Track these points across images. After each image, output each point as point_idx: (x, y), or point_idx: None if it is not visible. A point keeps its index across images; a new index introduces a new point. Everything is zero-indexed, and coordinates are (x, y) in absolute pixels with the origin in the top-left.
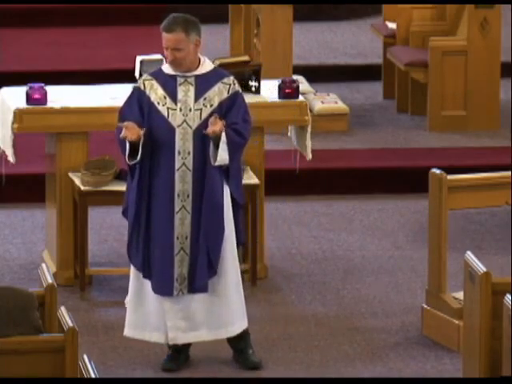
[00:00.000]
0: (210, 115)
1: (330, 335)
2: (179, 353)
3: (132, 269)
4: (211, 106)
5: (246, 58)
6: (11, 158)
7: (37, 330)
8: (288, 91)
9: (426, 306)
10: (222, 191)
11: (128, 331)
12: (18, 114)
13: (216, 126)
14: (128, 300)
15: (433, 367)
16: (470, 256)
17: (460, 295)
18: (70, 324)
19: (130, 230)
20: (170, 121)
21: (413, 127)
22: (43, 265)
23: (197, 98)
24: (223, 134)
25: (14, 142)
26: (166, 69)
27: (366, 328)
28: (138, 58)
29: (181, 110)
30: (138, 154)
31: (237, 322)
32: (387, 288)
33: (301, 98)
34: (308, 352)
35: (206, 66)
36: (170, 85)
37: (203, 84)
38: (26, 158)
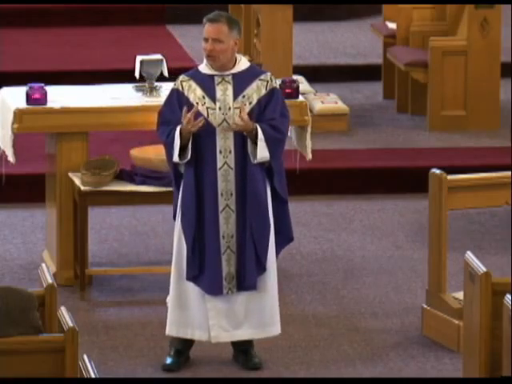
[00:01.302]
0: (250, 113)
1: (330, 335)
2: (180, 353)
3: (173, 267)
4: (250, 103)
5: (245, 58)
6: (11, 158)
7: (37, 330)
8: (288, 91)
9: (425, 306)
10: (265, 188)
11: (170, 330)
12: (18, 114)
13: (240, 118)
14: (169, 299)
15: (433, 367)
16: (470, 256)
17: (460, 295)
18: (70, 324)
19: (191, 241)
20: (210, 120)
21: (413, 127)
22: (43, 265)
23: (235, 97)
24: (260, 131)
25: (13, 142)
26: (203, 69)
27: (366, 328)
28: (138, 58)
29: (220, 108)
30: (187, 153)
31: (278, 322)
32: (387, 288)
33: (301, 97)
34: (308, 352)
35: (243, 64)
36: (208, 84)
37: (241, 82)
38: (26, 158)
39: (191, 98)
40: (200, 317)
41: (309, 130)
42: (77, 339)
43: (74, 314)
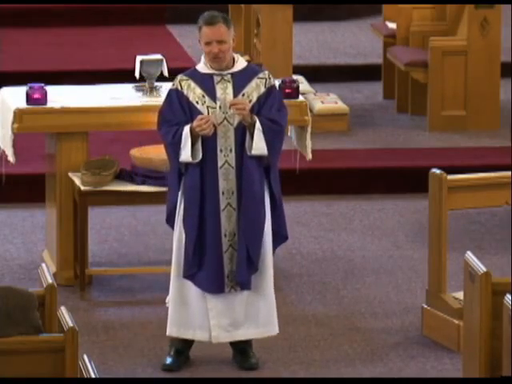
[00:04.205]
0: (250, 110)
1: (330, 335)
2: (180, 353)
3: (173, 267)
4: (250, 101)
5: (246, 57)
6: (11, 158)
7: (37, 329)
8: (288, 91)
9: (426, 306)
10: (262, 188)
11: (171, 330)
12: (18, 114)
13: (239, 104)
14: (169, 299)
15: (433, 367)
16: (470, 256)
17: (460, 295)
18: (70, 324)
19: (194, 240)
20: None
21: (413, 127)
22: (43, 265)
23: (235, 95)
24: (257, 123)
25: (14, 142)
26: (201, 68)
27: (366, 328)
28: (138, 58)
29: (220, 107)
30: (197, 153)
31: (275, 323)
32: (387, 288)
33: (301, 97)
34: (308, 352)
35: (241, 63)
36: (207, 83)
37: (240, 81)
38: (26, 158)
39: (191, 97)
40: (201, 317)
41: (309, 130)
42: (77, 339)
43: (74, 314)
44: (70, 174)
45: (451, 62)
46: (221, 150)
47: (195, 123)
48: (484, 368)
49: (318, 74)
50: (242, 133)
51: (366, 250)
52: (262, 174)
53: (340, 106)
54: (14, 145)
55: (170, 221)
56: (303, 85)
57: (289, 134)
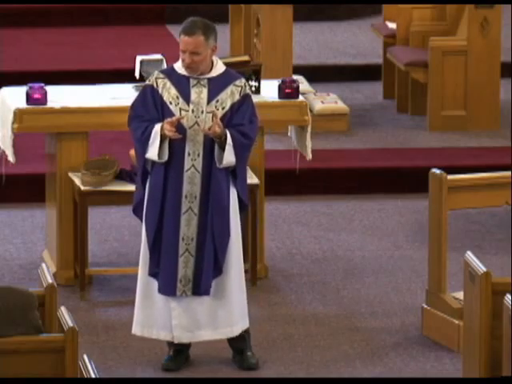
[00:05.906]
0: (223, 117)
1: (329, 335)
2: (179, 353)
3: (140, 267)
4: (223, 108)
5: (246, 57)
6: (11, 158)
7: (37, 329)
8: (288, 91)
9: (426, 306)
10: (229, 193)
11: (136, 329)
12: (18, 114)
13: (214, 125)
14: (136, 298)
15: (433, 367)
16: (470, 256)
17: (460, 295)
18: (70, 324)
19: (153, 236)
20: (181, 122)
21: (413, 127)
22: (43, 265)
23: (209, 100)
24: (228, 136)
25: (13, 142)
26: (179, 68)
27: (366, 328)
28: (138, 58)
29: (193, 111)
30: (164, 153)
31: (239, 323)
32: (387, 288)
33: (301, 97)
34: (308, 352)
35: (219, 68)
36: (182, 85)
37: (216, 86)
38: (26, 158)
39: (165, 96)
40: (164, 316)
41: (309, 129)
42: (77, 339)
43: (73, 314)
44: (70, 174)
45: (451, 61)
46: (188, 154)
47: (165, 125)
48: (484, 368)
49: (318, 74)
50: (212, 139)
51: (366, 250)
52: (229, 178)
53: (340, 106)
54: (14, 145)
55: (136, 212)
56: (303, 85)
57: (289, 134)
